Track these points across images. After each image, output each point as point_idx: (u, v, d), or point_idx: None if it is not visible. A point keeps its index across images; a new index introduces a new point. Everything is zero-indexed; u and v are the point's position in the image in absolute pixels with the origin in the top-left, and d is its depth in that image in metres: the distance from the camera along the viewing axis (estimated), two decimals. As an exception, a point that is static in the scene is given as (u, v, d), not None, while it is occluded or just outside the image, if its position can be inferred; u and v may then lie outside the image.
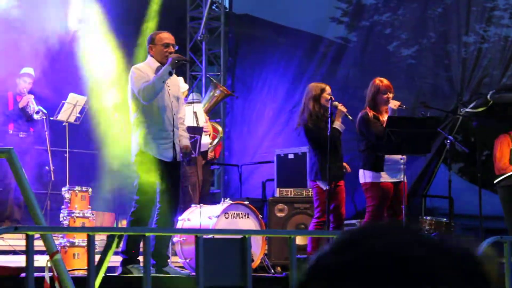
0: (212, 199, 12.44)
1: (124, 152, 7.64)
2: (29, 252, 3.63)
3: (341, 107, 7.73)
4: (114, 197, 10.51)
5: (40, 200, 6.78)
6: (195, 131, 8.18)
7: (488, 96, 10.85)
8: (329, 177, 7.57)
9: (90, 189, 7.83)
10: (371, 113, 7.77)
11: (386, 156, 7.67)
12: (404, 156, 7.70)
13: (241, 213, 7.95)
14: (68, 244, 7.43)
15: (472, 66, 11.19)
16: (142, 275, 4.25)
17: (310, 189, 8.97)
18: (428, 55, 11.70)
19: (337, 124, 7.74)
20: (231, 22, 13.59)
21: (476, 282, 0.99)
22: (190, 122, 8.61)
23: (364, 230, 1.04)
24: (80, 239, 7.42)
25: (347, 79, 12.11)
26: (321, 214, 7.61)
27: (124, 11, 10.73)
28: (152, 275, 4.43)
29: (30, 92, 9.70)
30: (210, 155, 9.48)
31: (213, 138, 9.50)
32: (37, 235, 4.58)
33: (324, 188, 7.61)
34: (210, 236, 6.29)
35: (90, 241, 3.82)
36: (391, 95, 7.83)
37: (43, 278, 4.47)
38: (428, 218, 9.59)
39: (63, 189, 7.84)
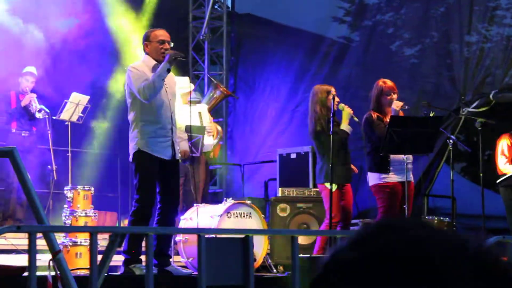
0: (214, 199, 12.44)
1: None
2: (32, 251, 3.63)
3: (347, 109, 7.79)
4: (117, 196, 10.53)
5: (42, 200, 6.78)
6: (198, 131, 8.18)
7: (491, 96, 10.84)
8: (337, 178, 7.61)
9: (92, 188, 7.83)
10: (375, 115, 7.79)
11: (391, 157, 7.68)
12: (409, 156, 7.70)
13: (244, 213, 7.95)
14: (71, 244, 7.44)
15: (475, 66, 11.17)
16: (144, 274, 4.25)
17: (313, 189, 8.99)
18: (430, 55, 11.69)
19: (345, 127, 7.79)
20: (234, 21, 13.59)
21: (493, 277, 0.99)
22: (195, 122, 8.60)
23: (381, 225, 1.04)
24: (83, 238, 7.43)
25: (350, 79, 12.10)
26: (334, 215, 7.63)
27: None
28: (154, 274, 4.42)
29: (32, 91, 9.70)
30: (210, 155, 9.50)
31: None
32: (39, 234, 4.59)
33: (330, 189, 7.64)
34: (213, 235, 6.29)
35: (93, 240, 3.82)
36: (394, 96, 7.84)
37: (45, 277, 4.47)
38: (431, 217, 9.59)
39: (65, 188, 7.84)
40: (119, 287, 6.29)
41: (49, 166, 9.52)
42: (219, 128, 10.05)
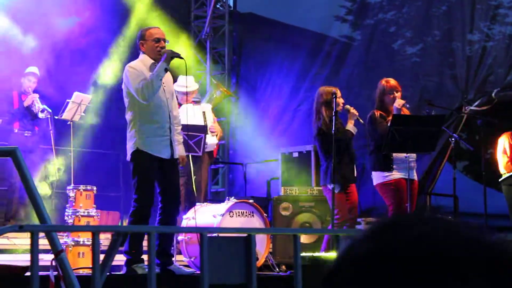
0: (217, 198, 12.45)
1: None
2: (34, 251, 3.63)
3: (353, 110, 7.83)
4: (119, 196, 10.54)
5: (44, 199, 6.78)
6: (200, 130, 8.18)
7: (493, 94, 10.83)
8: (342, 179, 7.61)
9: (95, 188, 7.83)
10: (378, 113, 7.82)
11: (394, 155, 7.69)
12: (412, 154, 7.70)
13: (246, 212, 7.95)
14: (73, 243, 7.44)
15: (477, 64, 11.16)
16: (147, 273, 4.25)
17: (315, 188, 8.99)
18: (432, 53, 11.68)
19: (350, 127, 7.81)
20: (236, 20, 13.59)
21: (507, 272, 0.99)
22: (198, 121, 8.60)
23: (395, 219, 1.04)
24: (85, 238, 7.43)
25: (352, 78, 12.10)
26: (340, 216, 7.63)
27: None
28: (156, 273, 4.42)
29: (34, 91, 9.71)
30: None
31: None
32: (42, 234, 4.59)
33: (337, 191, 7.64)
34: (215, 234, 6.29)
35: (95, 240, 3.82)
36: (397, 95, 7.85)
37: (48, 277, 4.47)
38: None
39: (68, 188, 7.85)
40: (121, 286, 6.29)
41: (51, 166, 9.53)
42: (219, 127, 10.05)
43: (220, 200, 9.36)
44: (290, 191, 8.99)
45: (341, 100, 7.85)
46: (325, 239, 7.99)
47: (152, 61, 6.92)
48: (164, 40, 6.97)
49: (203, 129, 8.24)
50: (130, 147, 6.88)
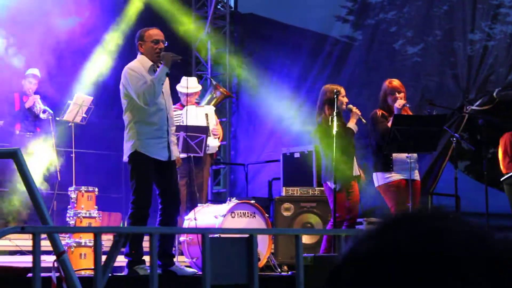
0: (218, 199, 12.45)
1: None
2: (36, 252, 3.63)
3: (355, 110, 7.85)
4: (121, 197, 10.54)
5: (46, 200, 6.79)
6: (202, 131, 8.18)
7: (494, 94, 10.83)
8: (342, 177, 7.62)
9: (96, 189, 7.83)
10: (379, 112, 7.84)
11: (394, 156, 7.69)
12: (414, 155, 7.70)
13: (248, 212, 7.95)
14: (75, 244, 7.44)
15: (478, 64, 11.16)
16: (148, 274, 4.26)
17: (317, 188, 8.99)
18: (433, 53, 11.67)
19: (352, 125, 7.84)
20: (236, 21, 13.59)
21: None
22: (201, 123, 8.59)
23: (396, 218, 1.04)
24: (87, 239, 7.43)
25: (353, 78, 12.09)
26: (339, 214, 7.64)
27: None
28: (158, 274, 4.43)
29: (35, 93, 9.72)
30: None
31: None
32: (43, 235, 4.59)
33: (334, 188, 7.65)
34: (217, 235, 6.29)
35: (97, 241, 3.82)
36: (399, 95, 7.85)
37: (50, 278, 4.47)
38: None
39: (69, 189, 7.84)
40: (123, 287, 6.29)
41: (52, 167, 9.52)
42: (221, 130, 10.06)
43: (222, 201, 9.35)
44: (291, 191, 8.98)
45: (345, 99, 7.88)
46: (324, 240, 7.99)
47: (151, 62, 6.87)
48: (163, 42, 6.91)
49: (204, 130, 8.23)
50: (128, 149, 6.83)
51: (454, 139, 8.96)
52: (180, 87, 8.96)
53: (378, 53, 12.10)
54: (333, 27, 12.65)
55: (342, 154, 7.65)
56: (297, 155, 9.84)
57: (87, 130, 10.23)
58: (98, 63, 10.84)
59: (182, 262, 7.84)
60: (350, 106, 7.89)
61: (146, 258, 6.69)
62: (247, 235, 4.23)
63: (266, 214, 8.00)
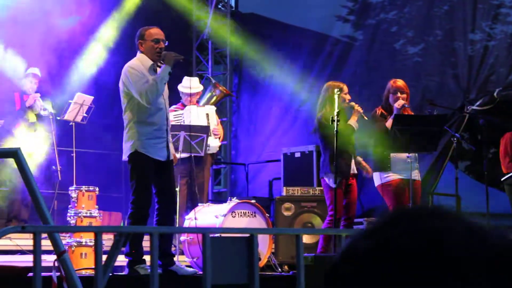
0: (219, 198, 12.45)
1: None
2: (37, 251, 3.63)
3: (357, 107, 7.86)
4: (121, 197, 10.54)
5: (47, 200, 6.79)
6: (202, 130, 8.18)
7: (495, 94, 10.83)
8: (340, 173, 7.61)
9: (97, 189, 7.83)
10: (379, 111, 7.85)
11: (393, 155, 7.69)
12: (414, 155, 7.70)
13: (248, 212, 7.95)
14: (76, 244, 7.44)
15: (479, 64, 11.16)
16: (149, 274, 4.26)
17: (317, 188, 8.99)
18: (434, 53, 11.67)
19: (352, 122, 7.85)
20: (237, 21, 13.59)
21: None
22: (202, 123, 8.60)
23: (394, 217, 1.04)
24: (87, 238, 7.43)
25: (354, 78, 12.09)
26: (334, 212, 7.64)
27: None
28: (159, 273, 4.43)
29: (36, 92, 9.71)
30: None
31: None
32: (44, 235, 4.59)
33: (331, 185, 7.65)
34: (217, 235, 6.29)
35: (97, 241, 3.82)
36: (401, 95, 7.85)
37: (50, 277, 4.47)
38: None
39: (70, 188, 7.84)
40: (124, 287, 6.29)
41: (53, 167, 9.53)
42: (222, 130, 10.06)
43: (222, 201, 9.36)
44: (292, 191, 8.98)
45: (347, 97, 7.89)
46: (321, 238, 7.98)
47: (151, 61, 6.85)
48: (164, 41, 6.89)
49: (205, 129, 8.23)
50: (127, 148, 6.82)
51: (455, 139, 8.96)
52: (182, 87, 8.95)
53: (378, 53, 12.10)
54: (334, 27, 12.65)
55: (341, 151, 7.64)
56: (297, 154, 9.85)
57: (87, 129, 10.23)
58: (94, 56, 10.83)
59: (183, 262, 7.84)
60: (352, 103, 7.91)
61: (147, 257, 6.70)
62: (247, 235, 4.23)
63: (266, 214, 8.01)
